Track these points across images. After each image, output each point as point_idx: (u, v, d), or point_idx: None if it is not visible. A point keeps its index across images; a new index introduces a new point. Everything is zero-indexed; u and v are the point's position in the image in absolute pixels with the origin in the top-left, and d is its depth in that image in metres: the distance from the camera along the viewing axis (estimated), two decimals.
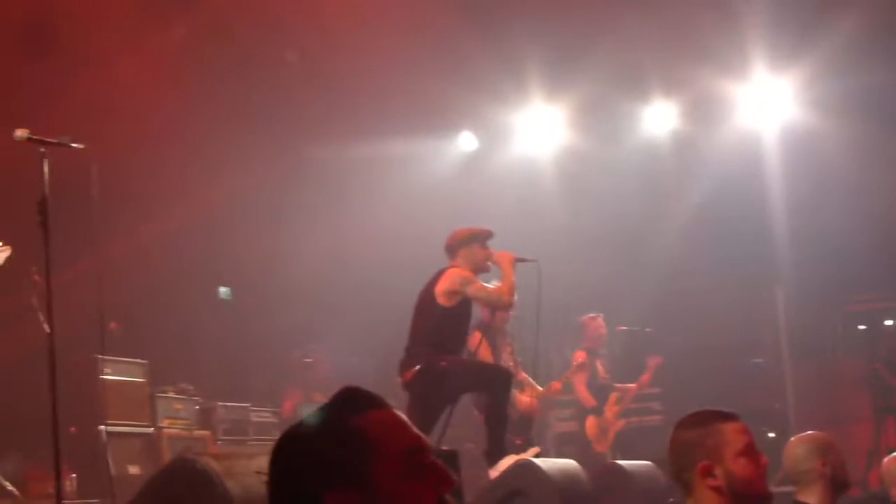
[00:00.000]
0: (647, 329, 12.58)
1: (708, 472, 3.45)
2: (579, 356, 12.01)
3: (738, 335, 14.61)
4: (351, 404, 2.04)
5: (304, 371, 13.41)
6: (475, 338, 9.47)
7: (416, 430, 2.06)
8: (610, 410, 12.12)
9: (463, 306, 8.31)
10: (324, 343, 13.55)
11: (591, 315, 12.26)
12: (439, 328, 8.25)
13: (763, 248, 14.00)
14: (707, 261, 14.18)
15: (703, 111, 13.92)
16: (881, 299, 14.24)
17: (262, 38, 12.60)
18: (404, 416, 2.06)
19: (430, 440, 8.14)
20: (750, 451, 3.50)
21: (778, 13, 11.92)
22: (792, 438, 5.19)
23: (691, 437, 3.53)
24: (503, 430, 8.18)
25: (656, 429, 12.64)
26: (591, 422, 12.02)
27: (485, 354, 9.56)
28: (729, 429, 3.51)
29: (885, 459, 6.46)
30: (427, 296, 8.31)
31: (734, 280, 14.24)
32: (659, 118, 14.12)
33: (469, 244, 8.41)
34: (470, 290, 8.23)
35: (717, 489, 3.44)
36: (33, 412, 10.79)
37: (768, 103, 13.49)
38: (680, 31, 12.14)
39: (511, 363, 9.92)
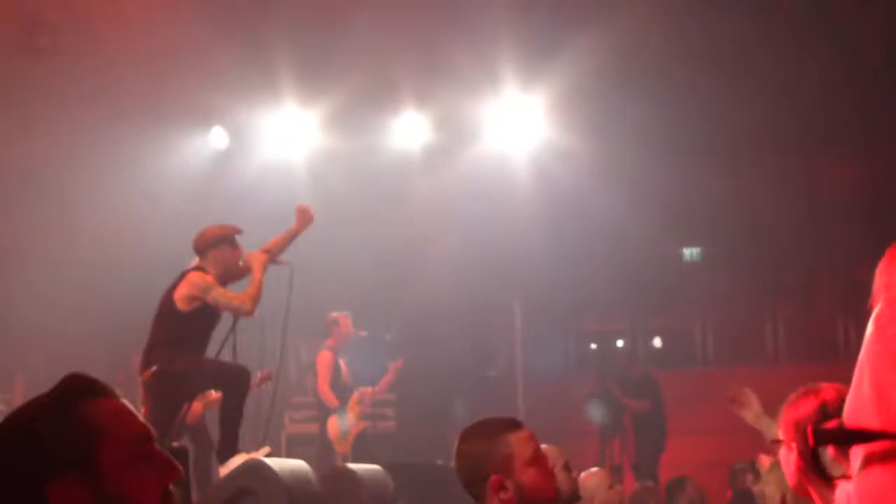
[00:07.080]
0: (387, 337, 12.50)
1: (499, 486, 3.38)
2: (325, 357, 11.73)
3: (474, 348, 14.88)
4: (78, 390, 1.97)
5: None
6: None
7: (143, 420, 2.02)
8: (352, 411, 11.82)
9: (203, 310, 8.04)
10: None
11: (341, 313, 11.87)
12: (177, 331, 7.95)
13: (505, 264, 14.29)
14: (450, 273, 14.23)
15: (453, 127, 13.96)
16: (614, 321, 14.80)
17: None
18: (131, 406, 2.02)
19: (169, 435, 7.92)
20: (537, 459, 3.45)
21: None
22: None
23: (478, 450, 3.46)
24: (237, 429, 7.96)
25: (390, 435, 12.81)
26: (332, 422, 11.72)
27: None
28: (515, 439, 3.45)
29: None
30: (167, 299, 8.02)
31: (476, 294, 14.46)
32: (410, 131, 14.05)
33: (218, 245, 8.00)
34: (210, 297, 7.89)
35: (508, 502, 3.39)
36: None
37: (518, 124, 13.65)
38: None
39: None
